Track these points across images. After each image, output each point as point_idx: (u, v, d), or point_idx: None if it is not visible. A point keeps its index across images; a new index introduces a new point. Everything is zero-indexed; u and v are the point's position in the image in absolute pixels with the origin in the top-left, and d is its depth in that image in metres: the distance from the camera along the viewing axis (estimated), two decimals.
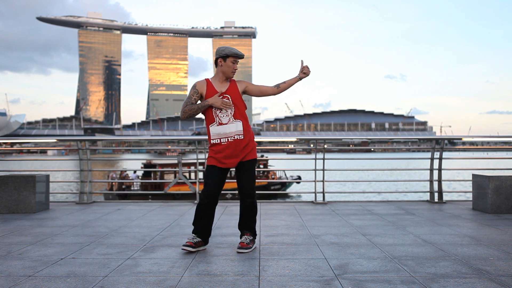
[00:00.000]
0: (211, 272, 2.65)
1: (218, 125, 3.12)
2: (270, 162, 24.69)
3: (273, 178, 22.36)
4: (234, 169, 3.29)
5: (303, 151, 76.64)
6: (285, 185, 24.21)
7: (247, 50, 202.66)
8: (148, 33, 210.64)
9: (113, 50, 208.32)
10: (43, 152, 74.43)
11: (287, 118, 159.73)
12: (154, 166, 20.47)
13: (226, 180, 3.27)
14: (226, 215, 4.89)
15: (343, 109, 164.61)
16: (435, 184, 6.12)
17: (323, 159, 6.09)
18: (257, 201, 5.92)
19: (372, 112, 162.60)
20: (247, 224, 3.29)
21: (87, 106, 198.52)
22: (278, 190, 22.88)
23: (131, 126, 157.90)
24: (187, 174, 18.78)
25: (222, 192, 3.28)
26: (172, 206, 5.68)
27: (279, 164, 27.09)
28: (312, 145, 6.75)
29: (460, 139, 6.92)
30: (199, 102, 3.21)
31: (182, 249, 3.14)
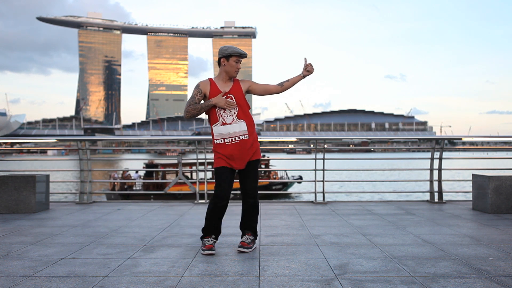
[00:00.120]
0: (211, 272, 2.65)
1: (221, 125, 3.10)
2: (271, 162, 24.68)
3: (275, 178, 22.35)
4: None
5: (303, 151, 76.66)
6: (286, 185, 24.21)
7: (247, 50, 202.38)
8: (148, 33, 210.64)
9: (113, 50, 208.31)
10: (43, 152, 74.41)
11: (287, 118, 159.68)
12: (156, 166, 20.47)
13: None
14: (227, 215, 4.87)
15: (343, 109, 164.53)
16: (435, 184, 6.12)
17: (323, 159, 6.09)
18: (259, 201, 5.95)
19: (372, 112, 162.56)
20: (249, 224, 3.29)
21: (87, 106, 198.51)
22: (279, 190, 22.88)
23: (131, 126, 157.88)
24: (189, 174, 18.80)
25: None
26: (172, 206, 5.68)
27: (279, 164, 27.09)
28: (312, 145, 6.75)
29: (460, 139, 6.92)
30: (202, 101, 3.20)
31: (206, 254, 3.08)
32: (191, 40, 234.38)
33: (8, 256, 3.07)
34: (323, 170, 6.11)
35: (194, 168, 15.58)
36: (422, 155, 7.68)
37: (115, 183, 20.43)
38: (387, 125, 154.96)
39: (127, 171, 20.13)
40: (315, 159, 6.09)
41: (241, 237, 3.29)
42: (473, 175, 5.40)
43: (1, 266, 2.80)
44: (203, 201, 6.06)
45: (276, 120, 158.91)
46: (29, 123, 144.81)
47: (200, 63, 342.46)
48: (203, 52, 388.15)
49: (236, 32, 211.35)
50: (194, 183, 6.23)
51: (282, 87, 3.23)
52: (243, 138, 3.10)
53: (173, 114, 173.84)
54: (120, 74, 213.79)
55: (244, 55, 3.18)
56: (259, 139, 6.56)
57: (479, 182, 5.23)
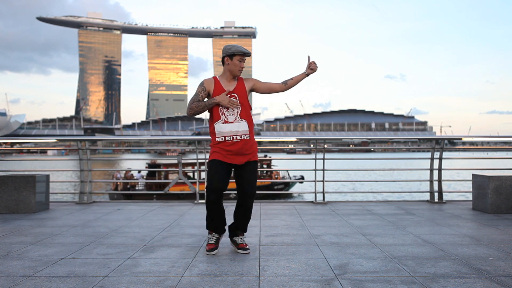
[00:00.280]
0: (211, 272, 2.65)
1: (223, 123, 3.08)
2: (272, 162, 24.68)
3: (276, 178, 22.34)
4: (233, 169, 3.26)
5: (303, 151, 76.64)
6: (288, 185, 24.21)
7: None
8: (148, 33, 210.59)
9: (113, 50, 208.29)
10: (43, 152, 74.38)
11: (287, 118, 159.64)
12: (158, 166, 20.47)
13: (230, 180, 3.22)
14: (226, 216, 4.88)
15: (343, 109, 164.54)
16: (435, 184, 6.12)
17: (323, 159, 6.09)
18: (259, 201, 5.97)
19: (372, 112, 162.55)
20: (243, 225, 3.25)
21: (87, 106, 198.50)
22: (281, 190, 22.89)
23: (131, 126, 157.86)
24: (190, 174, 18.76)
25: (226, 192, 3.23)
26: (172, 206, 5.68)
27: (279, 164, 27.09)
28: (312, 145, 6.75)
29: (460, 139, 6.91)
30: (206, 99, 3.19)
31: (208, 254, 3.10)
32: (191, 40, 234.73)
33: (8, 256, 3.07)
34: (323, 170, 6.11)
35: (196, 167, 15.55)
36: (422, 155, 7.68)
37: (118, 183, 20.43)
38: (387, 125, 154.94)
39: (130, 171, 20.14)
40: (315, 159, 6.09)
41: (234, 238, 3.24)
42: (473, 175, 5.40)
43: (1, 266, 2.80)
44: (203, 201, 6.05)
45: (276, 120, 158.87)
46: (29, 123, 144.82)
47: (200, 63, 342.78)
48: (203, 52, 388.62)
49: (236, 32, 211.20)
50: (194, 183, 6.23)
51: (286, 86, 3.22)
52: (244, 138, 3.09)
53: (173, 114, 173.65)
54: (120, 74, 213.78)
55: (247, 54, 3.16)
56: (259, 139, 6.59)
57: (479, 182, 5.23)
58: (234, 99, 3.10)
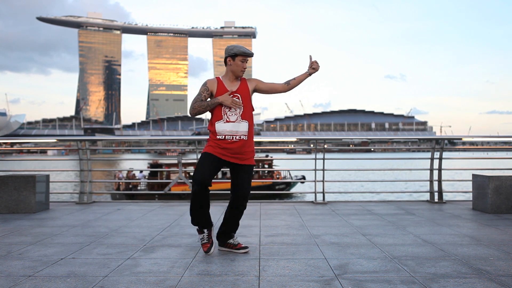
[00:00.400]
0: (211, 272, 2.65)
1: (225, 122, 3.07)
2: (274, 162, 24.71)
3: (278, 178, 22.34)
4: (228, 170, 3.23)
5: (303, 151, 76.63)
6: (289, 184, 24.21)
7: None
8: (148, 33, 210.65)
9: (113, 50, 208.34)
10: (43, 152, 74.38)
11: (287, 118, 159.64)
12: (160, 166, 20.49)
13: (226, 181, 3.21)
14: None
15: (343, 109, 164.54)
16: (435, 184, 6.12)
17: (323, 159, 6.09)
18: (259, 201, 5.97)
19: (372, 112, 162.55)
20: (235, 227, 3.24)
21: (87, 106, 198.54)
22: (283, 190, 22.89)
23: (131, 126, 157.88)
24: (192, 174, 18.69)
25: (224, 192, 3.22)
26: (172, 206, 5.68)
27: (280, 164, 27.10)
28: (312, 145, 6.75)
29: (460, 139, 6.92)
30: (209, 99, 3.18)
31: (208, 255, 3.09)
32: (191, 40, 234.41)
33: (8, 256, 3.07)
34: (323, 170, 6.11)
35: None
36: (422, 155, 7.68)
37: (120, 183, 20.44)
38: (387, 125, 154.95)
39: (132, 170, 20.15)
40: (315, 159, 6.09)
41: (229, 241, 3.21)
42: (473, 175, 5.40)
43: (1, 266, 2.80)
44: None
45: (276, 120, 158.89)
46: (29, 123, 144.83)
47: (200, 63, 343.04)
48: (203, 52, 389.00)
49: (236, 32, 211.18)
50: None
51: (289, 86, 3.23)
52: (243, 138, 3.09)
53: (173, 114, 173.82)
54: (120, 74, 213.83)
55: (250, 55, 3.15)
56: (259, 139, 6.58)
57: (479, 182, 5.23)
58: (237, 100, 3.10)
